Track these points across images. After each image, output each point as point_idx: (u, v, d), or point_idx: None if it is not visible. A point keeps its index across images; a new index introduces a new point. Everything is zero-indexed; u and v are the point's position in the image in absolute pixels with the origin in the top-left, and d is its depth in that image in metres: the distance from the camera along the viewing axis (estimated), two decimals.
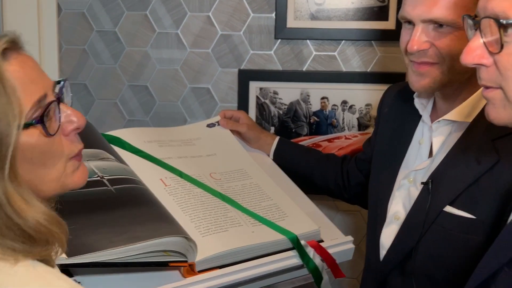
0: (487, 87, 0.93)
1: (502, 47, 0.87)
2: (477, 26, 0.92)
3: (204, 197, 1.44)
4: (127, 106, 2.10)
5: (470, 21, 0.94)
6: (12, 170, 0.82)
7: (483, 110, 1.24)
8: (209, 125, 1.73)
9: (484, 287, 0.93)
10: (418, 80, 1.32)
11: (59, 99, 0.91)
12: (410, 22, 1.30)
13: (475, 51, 0.91)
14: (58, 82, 0.92)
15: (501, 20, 0.86)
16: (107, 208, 1.03)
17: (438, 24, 1.25)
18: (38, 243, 0.84)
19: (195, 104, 2.07)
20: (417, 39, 1.27)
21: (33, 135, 0.86)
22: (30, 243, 0.83)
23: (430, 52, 1.28)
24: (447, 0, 1.23)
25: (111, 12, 2.05)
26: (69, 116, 0.92)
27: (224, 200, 1.46)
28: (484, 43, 0.90)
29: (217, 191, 1.48)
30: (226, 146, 1.68)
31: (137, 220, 1.16)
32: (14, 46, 0.88)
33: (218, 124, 1.74)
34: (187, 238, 1.20)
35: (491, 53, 0.90)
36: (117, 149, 1.45)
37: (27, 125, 0.85)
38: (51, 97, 0.89)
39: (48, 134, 0.87)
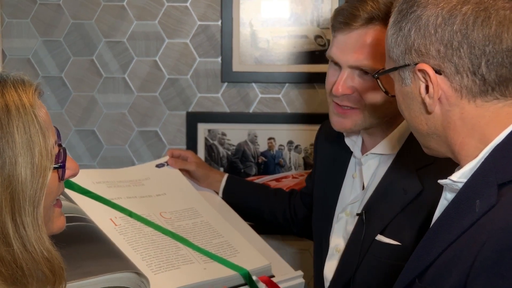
0: None
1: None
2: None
3: (155, 236, 1.44)
4: (74, 151, 2.08)
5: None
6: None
7: (406, 142, 1.33)
8: (158, 165, 1.74)
9: None
10: (338, 121, 1.37)
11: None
12: (337, 63, 1.34)
13: None
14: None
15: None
16: (59, 244, 1.03)
17: (364, 71, 1.30)
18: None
19: (143, 147, 2.08)
20: (342, 83, 1.31)
21: (53, 178, 0.91)
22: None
23: (353, 98, 1.33)
24: (375, 50, 1.27)
25: (57, 57, 2.06)
26: (69, 163, 0.97)
27: (175, 238, 1.46)
28: None
29: (168, 230, 1.48)
30: (176, 185, 1.69)
31: (89, 256, 1.16)
32: (39, 93, 0.93)
33: (167, 164, 1.75)
34: (139, 273, 1.20)
35: None
36: (65, 190, 1.44)
37: (54, 168, 0.90)
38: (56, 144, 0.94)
39: (61, 179, 0.93)
